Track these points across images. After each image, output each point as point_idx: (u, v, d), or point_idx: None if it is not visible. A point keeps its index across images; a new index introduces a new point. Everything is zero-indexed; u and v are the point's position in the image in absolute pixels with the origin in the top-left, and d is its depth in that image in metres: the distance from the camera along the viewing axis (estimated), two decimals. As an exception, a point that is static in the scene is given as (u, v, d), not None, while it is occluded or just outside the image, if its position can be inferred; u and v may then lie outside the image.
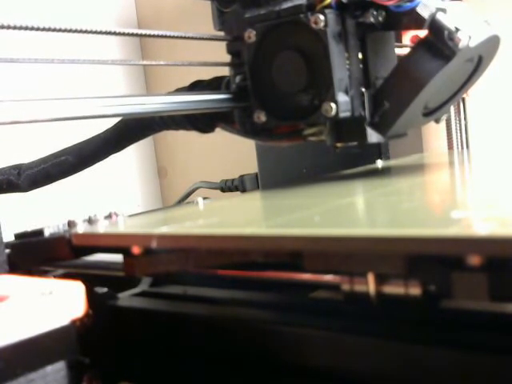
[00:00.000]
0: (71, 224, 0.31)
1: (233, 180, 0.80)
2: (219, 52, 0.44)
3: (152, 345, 0.29)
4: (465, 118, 0.66)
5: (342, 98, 0.38)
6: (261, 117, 0.41)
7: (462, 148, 0.66)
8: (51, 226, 0.32)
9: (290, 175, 0.79)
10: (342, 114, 0.38)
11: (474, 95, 0.63)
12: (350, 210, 0.29)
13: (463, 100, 0.66)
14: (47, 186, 0.55)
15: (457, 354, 0.21)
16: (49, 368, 0.22)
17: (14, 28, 0.30)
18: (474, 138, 0.67)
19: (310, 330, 0.24)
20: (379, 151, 0.71)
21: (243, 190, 0.79)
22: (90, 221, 0.32)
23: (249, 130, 0.43)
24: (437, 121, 0.46)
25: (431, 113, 0.43)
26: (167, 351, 0.29)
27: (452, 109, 0.65)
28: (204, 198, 0.39)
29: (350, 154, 0.62)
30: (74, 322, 0.23)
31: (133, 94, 1.04)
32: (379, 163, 0.54)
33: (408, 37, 0.50)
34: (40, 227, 0.32)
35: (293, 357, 0.25)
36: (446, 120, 0.66)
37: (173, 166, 1.20)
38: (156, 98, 0.38)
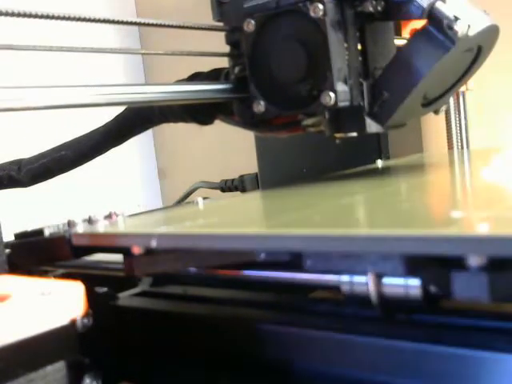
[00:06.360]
0: (71, 224, 0.31)
1: (233, 180, 0.80)
2: (218, 48, 0.44)
3: (152, 345, 0.29)
4: (465, 118, 0.66)
5: (340, 87, 0.38)
6: (260, 107, 0.41)
7: (462, 148, 0.66)
8: (51, 226, 0.32)
9: (290, 175, 0.79)
10: (341, 104, 0.38)
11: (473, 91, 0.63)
12: (350, 210, 0.29)
13: (463, 99, 0.66)
14: (47, 186, 0.55)
15: (456, 354, 0.21)
16: (49, 368, 0.22)
17: (13, 15, 0.30)
18: (473, 137, 0.67)
19: (310, 330, 0.24)
20: (379, 151, 0.71)
21: (243, 190, 0.79)
22: (90, 221, 0.32)
23: (248, 121, 0.43)
24: (436, 112, 0.46)
25: (430, 103, 0.43)
26: (167, 351, 0.29)
27: (452, 108, 0.65)
28: (204, 198, 0.39)
29: (350, 154, 0.62)
30: (74, 322, 0.23)
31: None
32: (379, 163, 0.54)
33: (408, 30, 0.50)
34: (40, 227, 0.32)
35: (293, 356, 0.25)
36: (446, 120, 0.66)
37: (173, 166, 1.20)
38: (156, 87, 0.38)
